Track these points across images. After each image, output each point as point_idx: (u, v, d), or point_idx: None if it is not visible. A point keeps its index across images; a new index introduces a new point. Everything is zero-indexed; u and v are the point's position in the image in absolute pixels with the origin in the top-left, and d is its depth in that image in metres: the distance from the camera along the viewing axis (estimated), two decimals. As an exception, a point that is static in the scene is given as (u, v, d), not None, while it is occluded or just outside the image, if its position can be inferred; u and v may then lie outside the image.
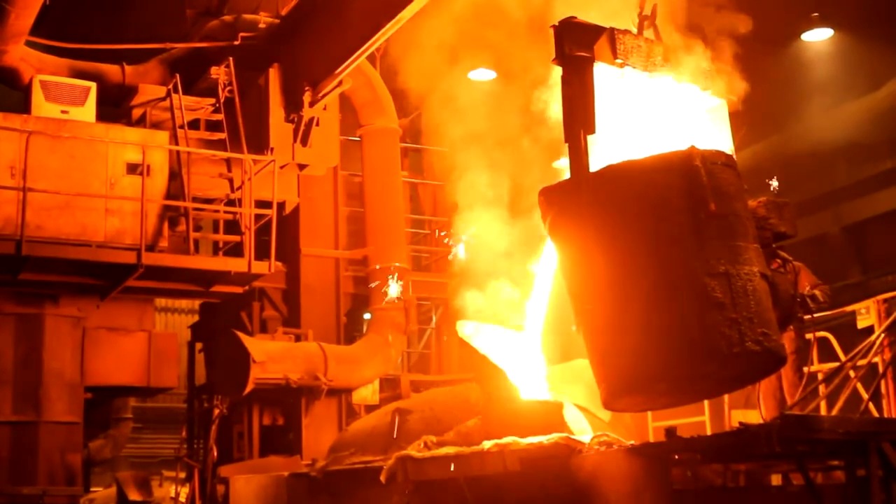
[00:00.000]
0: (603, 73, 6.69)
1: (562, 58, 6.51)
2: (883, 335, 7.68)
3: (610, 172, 6.32)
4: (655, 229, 6.12)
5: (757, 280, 6.16)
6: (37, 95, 12.00)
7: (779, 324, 6.61)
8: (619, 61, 6.70)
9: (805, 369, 8.45)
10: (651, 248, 6.10)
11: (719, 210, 6.13)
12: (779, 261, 8.37)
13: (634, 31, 6.93)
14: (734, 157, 7.07)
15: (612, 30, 6.71)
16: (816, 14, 17.26)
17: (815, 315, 8.54)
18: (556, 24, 6.56)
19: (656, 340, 6.05)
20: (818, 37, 18.03)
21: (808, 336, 8.58)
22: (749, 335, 5.96)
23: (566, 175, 6.57)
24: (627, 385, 6.30)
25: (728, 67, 7.23)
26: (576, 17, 6.60)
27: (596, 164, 6.37)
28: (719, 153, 6.45)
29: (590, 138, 6.38)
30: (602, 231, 6.25)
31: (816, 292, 8.53)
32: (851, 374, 7.67)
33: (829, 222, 19.99)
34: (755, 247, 6.31)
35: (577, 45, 6.51)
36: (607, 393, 6.43)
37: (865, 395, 8.07)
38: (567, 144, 6.39)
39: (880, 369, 8.19)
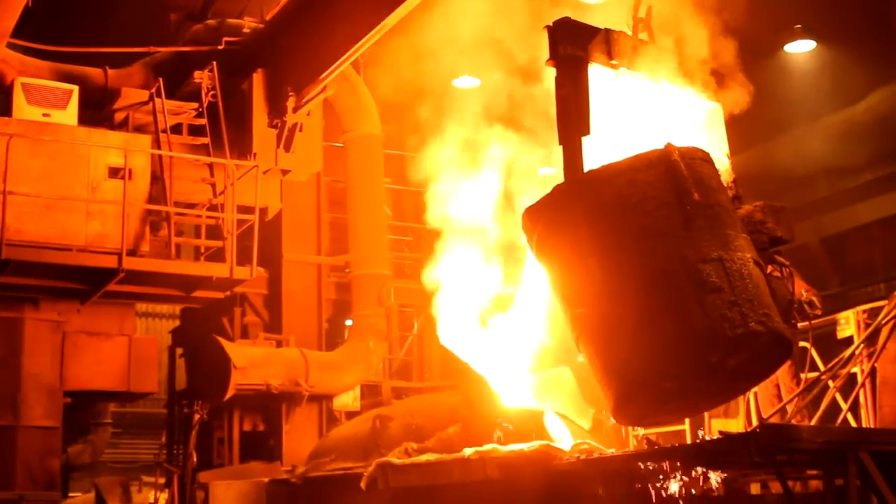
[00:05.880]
0: (597, 76, 6.61)
1: (556, 58, 6.43)
2: (862, 346, 7.70)
3: (592, 176, 6.25)
4: (643, 224, 6.02)
5: (751, 266, 6.06)
6: (18, 98, 11.94)
7: None
8: (613, 63, 6.64)
9: (802, 375, 8.44)
10: (641, 243, 6.00)
11: (703, 200, 6.05)
12: (776, 266, 8.26)
13: (629, 33, 6.90)
14: (729, 159, 7.08)
15: (607, 31, 6.65)
16: (799, 26, 17.32)
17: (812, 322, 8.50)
18: (551, 24, 6.48)
19: (658, 334, 5.88)
20: (801, 48, 18.11)
21: (803, 343, 8.53)
22: (751, 315, 5.81)
23: (549, 189, 6.50)
24: (634, 388, 6.06)
25: (722, 73, 7.23)
26: (570, 18, 6.53)
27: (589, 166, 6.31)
28: (696, 149, 6.38)
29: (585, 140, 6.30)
30: (592, 234, 6.14)
31: (813, 298, 8.53)
32: (831, 384, 7.71)
33: (809, 233, 20.05)
34: (744, 236, 6.22)
35: (572, 46, 6.43)
36: (616, 399, 6.15)
37: (844, 406, 8.13)
38: (561, 147, 6.31)
39: (859, 380, 8.22)
